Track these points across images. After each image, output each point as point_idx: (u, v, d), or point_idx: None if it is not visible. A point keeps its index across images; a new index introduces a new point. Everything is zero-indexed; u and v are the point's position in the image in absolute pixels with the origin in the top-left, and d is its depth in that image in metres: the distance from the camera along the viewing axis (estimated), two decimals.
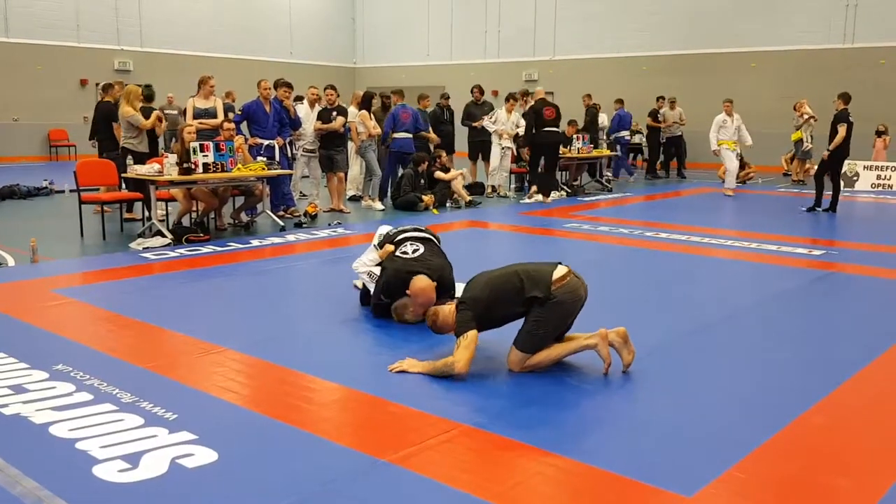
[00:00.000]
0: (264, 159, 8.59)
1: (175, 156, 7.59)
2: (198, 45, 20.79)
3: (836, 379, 3.84)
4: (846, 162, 14.23)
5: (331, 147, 9.97)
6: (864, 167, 13.16)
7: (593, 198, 12.49)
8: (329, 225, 8.91)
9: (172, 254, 6.99)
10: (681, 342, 4.50)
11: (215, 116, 9.07)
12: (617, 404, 3.59)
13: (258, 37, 22.27)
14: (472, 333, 3.77)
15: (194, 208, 8.36)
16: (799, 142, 15.02)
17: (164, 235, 7.49)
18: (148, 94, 9.73)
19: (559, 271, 3.87)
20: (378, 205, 10.55)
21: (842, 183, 10.94)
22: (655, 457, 2.97)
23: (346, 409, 3.54)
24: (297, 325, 4.91)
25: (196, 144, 7.60)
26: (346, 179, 10.70)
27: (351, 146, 10.81)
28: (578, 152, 12.97)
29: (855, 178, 13.94)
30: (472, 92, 13.13)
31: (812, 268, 6.73)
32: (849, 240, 8.32)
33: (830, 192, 10.54)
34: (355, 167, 11.46)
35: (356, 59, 25.27)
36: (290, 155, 9.63)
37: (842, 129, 10.19)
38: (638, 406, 3.57)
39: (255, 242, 7.69)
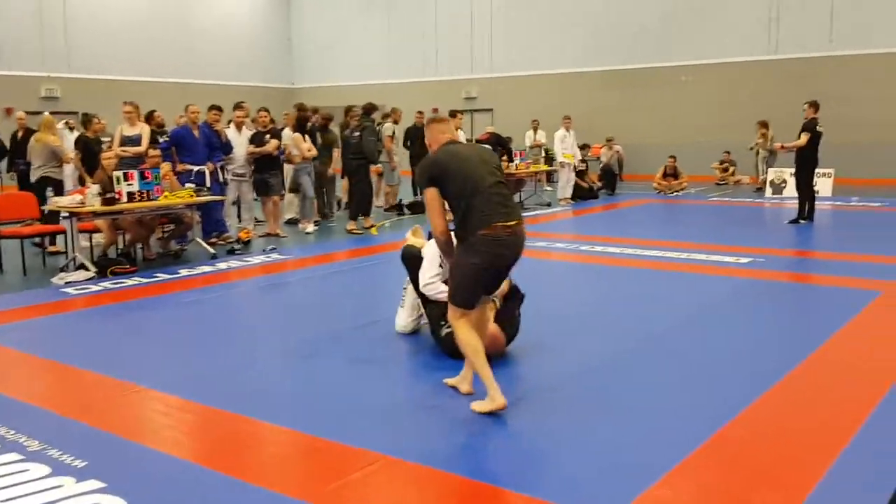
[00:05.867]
0: (193, 186, 8.38)
1: (97, 186, 7.35)
2: (129, 69, 20.28)
3: (757, 389, 3.89)
4: (773, 170, 14.83)
5: (265, 171, 9.82)
6: (791, 174, 13.49)
7: (532, 213, 12.58)
8: (264, 251, 8.74)
9: (95, 288, 6.73)
10: (605, 364, 4.51)
11: (140, 143, 8.83)
12: (529, 426, 3.55)
13: (192, 59, 21.88)
14: (433, 197, 3.58)
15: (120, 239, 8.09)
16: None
17: (87, 269, 7.22)
18: (84, 122, 9.54)
19: (503, 220, 3.48)
20: (310, 227, 10.43)
21: (816, 191, 10.75)
22: (578, 479, 2.95)
23: (265, 447, 3.42)
24: (223, 359, 4.73)
25: (120, 173, 7.37)
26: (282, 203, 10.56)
27: (289, 169, 10.68)
28: (517, 168, 13.09)
29: (783, 185, 14.39)
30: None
31: (738, 276, 6.88)
32: (779, 247, 8.54)
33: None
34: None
35: (294, 80, 25.07)
36: (221, 180, 9.43)
37: (803, 138, 10.20)
38: (560, 429, 3.54)
39: (184, 272, 7.48)
